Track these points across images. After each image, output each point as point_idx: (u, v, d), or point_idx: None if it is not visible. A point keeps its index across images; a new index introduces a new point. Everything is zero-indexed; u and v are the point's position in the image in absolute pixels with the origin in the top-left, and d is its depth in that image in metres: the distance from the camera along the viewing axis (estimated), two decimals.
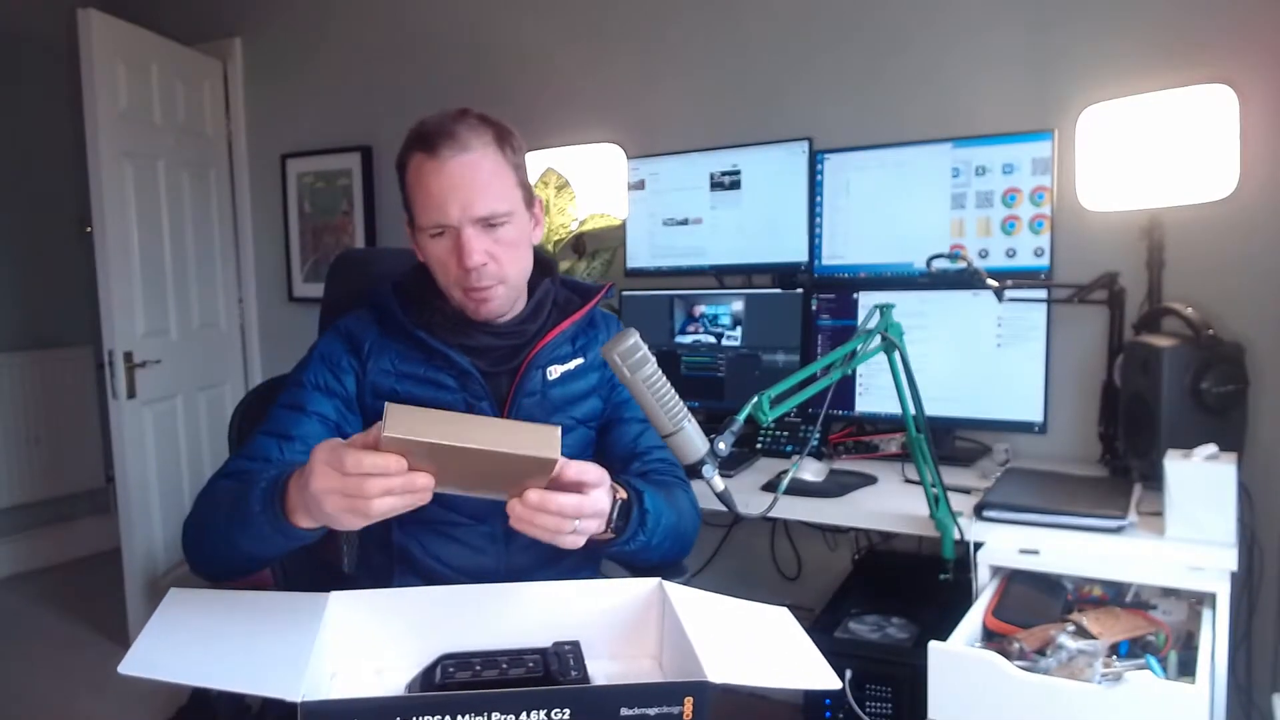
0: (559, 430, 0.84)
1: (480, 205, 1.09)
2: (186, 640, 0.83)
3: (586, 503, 0.90)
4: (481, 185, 1.09)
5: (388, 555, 1.19)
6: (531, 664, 0.87)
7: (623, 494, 1.04)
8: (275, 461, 1.09)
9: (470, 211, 1.08)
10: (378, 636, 0.93)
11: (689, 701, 0.76)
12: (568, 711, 0.74)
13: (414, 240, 1.18)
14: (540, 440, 0.83)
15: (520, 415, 1.19)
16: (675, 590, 0.96)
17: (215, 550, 1.02)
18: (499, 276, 1.13)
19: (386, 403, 0.79)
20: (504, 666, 0.86)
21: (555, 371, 1.22)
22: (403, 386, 1.17)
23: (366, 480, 0.79)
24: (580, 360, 1.25)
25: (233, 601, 0.93)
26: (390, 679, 0.90)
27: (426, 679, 0.86)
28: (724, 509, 1.06)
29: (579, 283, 1.30)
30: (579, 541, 0.93)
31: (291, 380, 1.19)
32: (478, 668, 0.85)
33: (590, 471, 0.92)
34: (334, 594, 0.92)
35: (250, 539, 0.94)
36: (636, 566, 1.14)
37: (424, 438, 0.77)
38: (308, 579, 1.16)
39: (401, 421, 0.77)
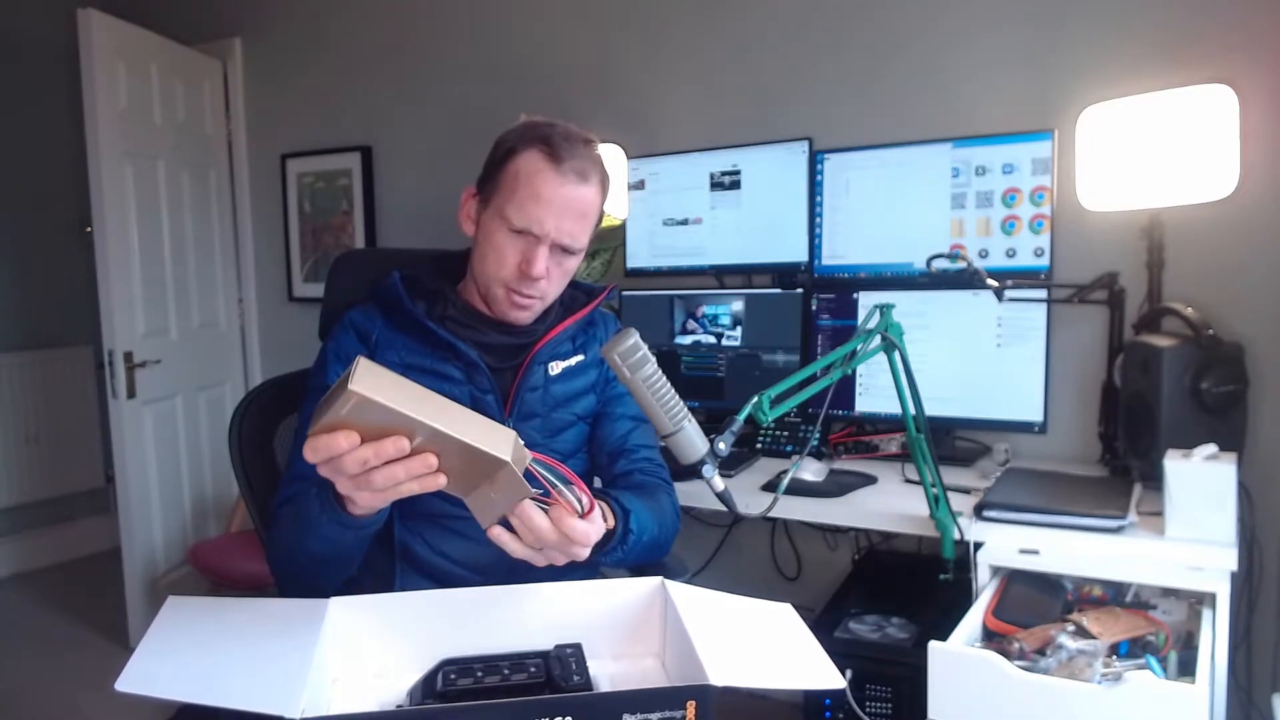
0: (514, 435, 0.82)
1: (570, 234, 1.15)
2: (184, 653, 0.82)
3: (575, 532, 0.89)
4: (580, 218, 1.16)
5: (389, 553, 1.20)
6: (533, 669, 0.86)
7: (610, 522, 1.03)
8: None
9: (560, 234, 1.14)
10: (378, 641, 0.92)
11: (691, 706, 0.75)
12: (570, 719, 0.74)
13: (476, 218, 1.20)
14: (497, 439, 0.80)
15: (523, 409, 1.22)
16: (677, 589, 0.95)
17: (303, 571, 1.04)
18: (543, 293, 1.19)
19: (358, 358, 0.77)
20: (506, 672, 0.85)
21: (556, 367, 1.25)
22: (408, 378, 1.17)
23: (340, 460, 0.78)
24: (580, 357, 1.28)
25: (232, 609, 0.91)
26: (391, 685, 0.89)
27: (428, 685, 0.85)
28: (724, 509, 1.07)
29: (584, 284, 1.34)
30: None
31: (313, 385, 1.20)
32: (479, 674, 0.85)
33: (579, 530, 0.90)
34: (334, 599, 0.91)
35: (324, 544, 0.97)
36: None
37: (389, 403, 0.75)
38: None
39: (366, 378, 0.74)
